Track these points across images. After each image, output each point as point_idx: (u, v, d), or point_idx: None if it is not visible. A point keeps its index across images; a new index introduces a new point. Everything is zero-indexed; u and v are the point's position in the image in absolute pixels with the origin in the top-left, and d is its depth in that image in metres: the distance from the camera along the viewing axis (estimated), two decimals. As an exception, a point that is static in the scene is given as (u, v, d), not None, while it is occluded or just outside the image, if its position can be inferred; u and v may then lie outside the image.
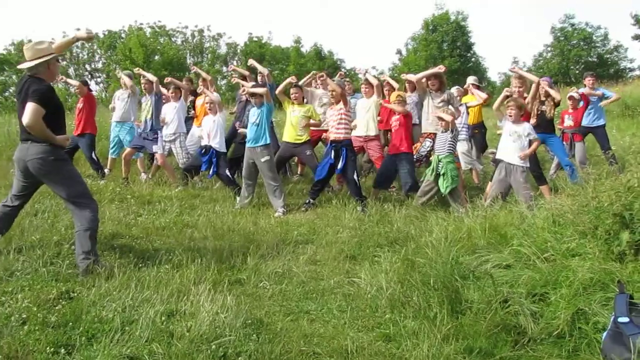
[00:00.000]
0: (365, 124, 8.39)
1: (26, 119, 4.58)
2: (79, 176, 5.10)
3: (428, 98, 8.26)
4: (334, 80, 8.41)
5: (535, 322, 3.67)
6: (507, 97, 7.36)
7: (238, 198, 7.90)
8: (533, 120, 7.74)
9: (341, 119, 7.72)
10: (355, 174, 7.70)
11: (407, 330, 3.69)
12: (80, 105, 9.72)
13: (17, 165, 4.94)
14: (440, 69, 8.22)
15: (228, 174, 8.42)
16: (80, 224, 4.82)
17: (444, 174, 7.12)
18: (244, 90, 8.23)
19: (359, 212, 7.13)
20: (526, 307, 3.76)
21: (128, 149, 9.30)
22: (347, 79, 10.63)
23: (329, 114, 8.06)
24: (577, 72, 34.88)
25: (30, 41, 5.04)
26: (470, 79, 9.78)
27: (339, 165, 7.63)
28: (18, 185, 5.08)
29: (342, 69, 37.10)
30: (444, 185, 7.11)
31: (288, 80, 8.73)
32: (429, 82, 8.35)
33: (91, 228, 4.83)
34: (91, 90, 10.53)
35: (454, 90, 9.08)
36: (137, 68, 10.44)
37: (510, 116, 6.97)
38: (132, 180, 9.08)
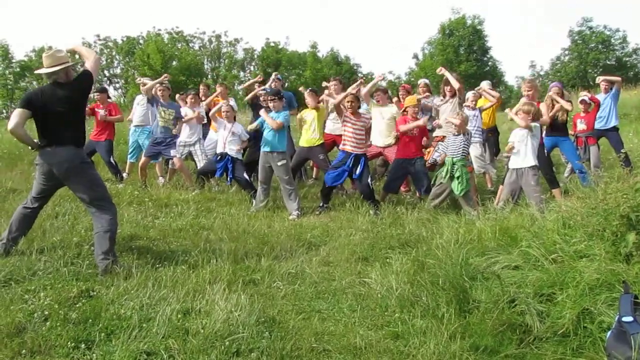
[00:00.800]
0: (385, 133, 8.51)
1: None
2: (100, 180, 5.31)
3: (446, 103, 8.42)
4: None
5: (541, 321, 3.74)
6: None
7: (254, 201, 8.03)
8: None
9: (360, 132, 7.82)
10: (370, 178, 7.80)
11: (416, 329, 3.79)
12: (102, 112, 9.89)
13: (41, 168, 5.11)
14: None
15: (246, 176, 8.57)
16: (100, 225, 5.00)
17: (458, 177, 7.19)
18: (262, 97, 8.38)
19: (372, 216, 7.22)
20: (533, 306, 3.83)
21: (143, 159, 9.46)
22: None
23: (349, 124, 7.96)
24: (595, 75, 34.51)
25: (50, 48, 5.24)
26: (484, 84, 9.83)
27: (357, 171, 7.72)
28: (39, 187, 5.26)
29: (360, 74, 37.30)
30: (458, 188, 7.18)
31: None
32: (446, 88, 8.51)
33: (111, 230, 5.00)
34: (110, 97, 10.71)
35: (470, 94, 9.15)
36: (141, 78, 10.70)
37: (522, 121, 7.03)
38: (149, 184, 9.25)
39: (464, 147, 7.33)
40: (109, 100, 10.38)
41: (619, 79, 9.58)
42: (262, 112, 8.09)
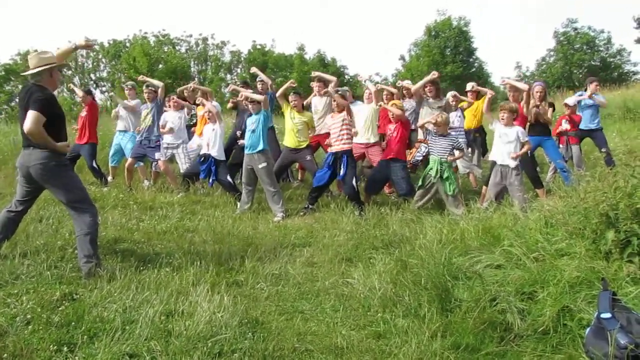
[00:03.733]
0: (365, 130, 8.47)
1: (27, 125, 4.72)
2: (79, 182, 5.24)
3: (425, 105, 8.44)
4: (338, 91, 8.49)
5: (522, 319, 3.79)
6: (490, 99, 7.58)
7: (239, 204, 8.04)
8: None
9: (344, 130, 7.80)
10: (354, 180, 7.78)
11: (398, 328, 3.82)
12: (83, 114, 9.88)
13: (20, 171, 5.08)
14: (434, 75, 8.38)
15: (229, 179, 8.55)
16: (80, 228, 4.97)
17: (447, 178, 7.24)
18: (241, 96, 8.33)
19: (356, 217, 7.24)
20: (514, 304, 3.87)
21: (130, 159, 9.45)
22: (347, 89, 10.69)
23: (330, 122, 8.10)
24: (580, 76, 34.94)
25: (35, 51, 5.20)
26: (469, 86, 9.87)
27: (341, 172, 7.73)
28: (22, 190, 5.22)
29: (347, 76, 37.36)
30: (450, 188, 7.23)
31: (288, 84, 8.90)
32: (427, 89, 8.54)
33: (91, 232, 4.97)
34: (95, 100, 10.65)
35: (449, 95, 9.21)
36: (141, 76, 10.62)
37: (502, 119, 7.12)
38: (134, 187, 9.22)
39: (450, 148, 7.36)
40: (89, 97, 10.25)
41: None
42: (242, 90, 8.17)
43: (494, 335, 3.68)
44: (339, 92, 8.18)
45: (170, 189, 9.05)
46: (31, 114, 4.74)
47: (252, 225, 7.01)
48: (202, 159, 8.62)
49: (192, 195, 8.72)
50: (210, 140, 8.53)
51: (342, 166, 7.72)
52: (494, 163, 7.24)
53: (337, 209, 7.50)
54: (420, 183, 7.53)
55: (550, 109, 8.67)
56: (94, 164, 9.78)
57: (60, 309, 4.04)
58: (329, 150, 8.00)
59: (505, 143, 7.07)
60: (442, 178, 7.28)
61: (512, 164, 6.95)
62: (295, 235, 6.55)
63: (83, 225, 4.96)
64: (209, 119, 8.67)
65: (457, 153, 7.63)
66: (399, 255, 5.10)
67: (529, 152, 7.73)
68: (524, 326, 3.72)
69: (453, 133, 7.58)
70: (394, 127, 7.87)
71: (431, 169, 7.41)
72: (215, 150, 8.47)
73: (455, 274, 4.56)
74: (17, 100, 4.89)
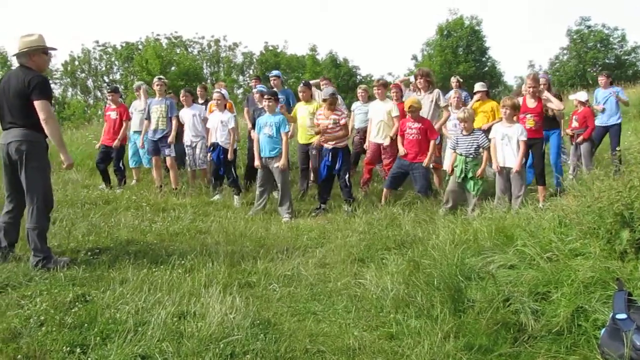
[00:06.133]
0: (380, 130, 8.55)
1: (43, 116, 5.02)
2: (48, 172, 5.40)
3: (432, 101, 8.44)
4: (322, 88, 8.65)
5: (536, 319, 3.74)
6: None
7: (235, 198, 8.34)
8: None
9: (337, 127, 7.94)
10: (347, 175, 8.03)
11: (410, 329, 3.80)
12: (115, 115, 9.90)
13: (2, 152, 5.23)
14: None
15: (234, 173, 8.75)
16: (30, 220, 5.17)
17: (471, 177, 7.20)
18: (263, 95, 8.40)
19: (347, 211, 7.53)
20: (527, 305, 3.83)
21: (154, 157, 9.50)
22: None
23: (324, 122, 8.08)
24: (594, 74, 34.62)
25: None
26: (478, 85, 9.68)
27: (337, 166, 7.95)
28: (5, 181, 5.34)
29: (359, 76, 37.35)
30: (474, 188, 7.19)
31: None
32: (418, 81, 8.71)
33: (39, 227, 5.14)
34: (121, 97, 10.66)
35: (452, 93, 9.19)
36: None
37: (505, 116, 7.09)
38: (146, 189, 9.26)
39: (476, 145, 7.28)
40: (120, 100, 10.35)
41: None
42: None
43: (507, 336, 3.65)
44: (331, 92, 8.11)
45: (182, 190, 9.09)
46: (43, 104, 5.00)
47: (264, 226, 7.02)
48: (212, 148, 8.71)
49: (205, 197, 8.75)
50: (216, 127, 8.62)
51: (338, 161, 7.93)
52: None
53: (349, 210, 7.48)
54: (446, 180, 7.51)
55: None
56: (121, 165, 9.90)
57: (73, 310, 4.06)
58: (325, 146, 8.07)
59: (507, 144, 7.06)
60: (467, 177, 7.24)
61: (516, 166, 6.95)
62: (307, 236, 6.55)
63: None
64: (216, 105, 8.74)
65: (484, 154, 7.38)
66: (411, 255, 5.07)
67: (542, 146, 7.71)
68: (537, 327, 3.68)
69: (478, 132, 7.43)
70: (417, 127, 7.84)
71: (456, 166, 7.36)
72: (221, 136, 8.58)
73: (468, 275, 4.52)
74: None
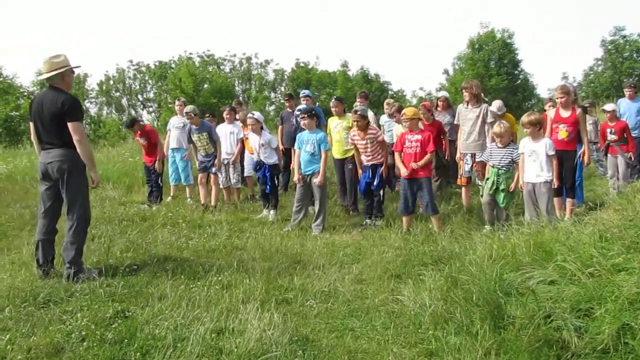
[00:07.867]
0: None
1: (77, 137, 5.28)
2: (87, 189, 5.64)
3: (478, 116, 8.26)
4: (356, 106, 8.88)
5: (579, 337, 3.66)
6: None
7: (264, 211, 8.62)
8: None
9: (376, 145, 8.07)
10: (382, 190, 8.29)
11: (450, 346, 3.75)
12: (144, 141, 10.17)
13: (40, 171, 5.48)
14: None
15: (277, 186, 8.87)
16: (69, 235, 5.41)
17: (503, 190, 7.11)
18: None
19: (369, 224, 7.82)
20: (570, 321, 3.74)
21: (199, 175, 9.61)
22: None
23: (361, 141, 8.12)
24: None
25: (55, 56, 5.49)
26: (495, 106, 8.57)
27: (375, 183, 8.03)
28: (43, 198, 5.54)
29: (390, 91, 37.35)
30: (504, 201, 7.12)
31: None
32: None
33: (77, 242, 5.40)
34: (144, 125, 10.72)
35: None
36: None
37: (528, 134, 6.99)
38: (182, 206, 9.39)
39: (509, 159, 7.16)
40: (142, 124, 10.53)
41: None
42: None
43: (550, 354, 3.57)
44: (358, 112, 8.08)
45: (218, 207, 9.20)
46: (76, 125, 5.26)
47: (300, 242, 7.03)
48: (258, 166, 8.85)
49: (240, 213, 8.82)
50: (258, 148, 8.72)
51: (376, 177, 8.02)
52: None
53: (384, 225, 7.47)
54: (481, 194, 7.44)
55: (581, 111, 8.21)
56: (160, 181, 10.12)
57: (113, 326, 4.14)
58: (364, 163, 8.17)
59: (535, 160, 6.89)
60: (498, 189, 7.15)
61: (541, 179, 6.84)
62: (343, 252, 6.54)
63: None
64: (252, 130, 8.80)
65: (517, 168, 7.19)
66: (449, 271, 5.02)
67: (574, 159, 7.54)
68: (581, 344, 3.60)
69: (513, 145, 7.27)
70: (416, 139, 7.50)
71: (488, 179, 7.28)
72: (266, 156, 8.67)
73: (507, 290, 4.45)
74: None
